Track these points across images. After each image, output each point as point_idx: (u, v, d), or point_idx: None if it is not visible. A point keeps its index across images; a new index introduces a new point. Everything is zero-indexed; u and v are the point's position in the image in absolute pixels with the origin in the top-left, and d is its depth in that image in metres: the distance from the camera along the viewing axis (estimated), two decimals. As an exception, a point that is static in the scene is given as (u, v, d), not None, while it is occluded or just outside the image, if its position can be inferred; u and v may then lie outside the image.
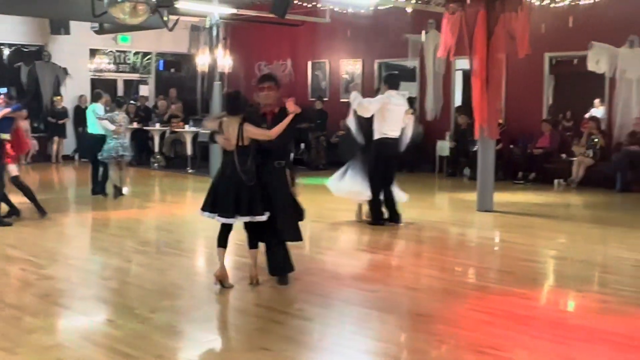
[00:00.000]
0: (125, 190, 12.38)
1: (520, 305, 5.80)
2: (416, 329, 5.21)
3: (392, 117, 9.17)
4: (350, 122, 9.42)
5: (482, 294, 6.18)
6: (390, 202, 9.38)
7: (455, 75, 16.63)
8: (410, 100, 17.42)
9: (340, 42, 18.07)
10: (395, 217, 9.39)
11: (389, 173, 9.41)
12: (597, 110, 15.99)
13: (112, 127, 11.81)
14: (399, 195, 9.54)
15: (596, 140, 13.88)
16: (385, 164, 9.29)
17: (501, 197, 11.44)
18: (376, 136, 9.19)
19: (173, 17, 10.76)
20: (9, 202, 9.61)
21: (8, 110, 9.60)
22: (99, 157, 11.88)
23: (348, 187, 9.30)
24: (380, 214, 9.39)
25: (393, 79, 9.66)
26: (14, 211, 9.63)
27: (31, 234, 8.95)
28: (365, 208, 9.54)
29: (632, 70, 13.49)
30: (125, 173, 12.73)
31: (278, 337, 4.95)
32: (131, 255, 7.84)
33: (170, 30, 10.22)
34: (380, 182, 9.24)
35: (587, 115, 14.89)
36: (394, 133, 9.22)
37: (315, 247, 8.25)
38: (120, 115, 12.09)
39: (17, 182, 9.74)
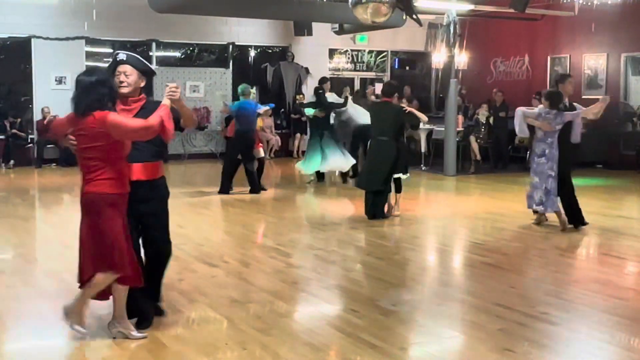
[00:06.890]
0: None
1: None
2: (674, 342, 4.83)
3: None
4: None
5: None
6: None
7: None
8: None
9: (583, 36, 17.19)
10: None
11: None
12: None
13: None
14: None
15: None
16: None
17: None
18: None
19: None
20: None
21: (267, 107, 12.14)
22: None
23: None
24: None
25: None
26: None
27: (276, 224, 9.54)
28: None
29: None
30: None
31: (522, 339, 4.83)
32: (370, 249, 8.06)
33: (421, 26, 10.64)
34: None
35: None
36: None
37: (558, 251, 7.95)
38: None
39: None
